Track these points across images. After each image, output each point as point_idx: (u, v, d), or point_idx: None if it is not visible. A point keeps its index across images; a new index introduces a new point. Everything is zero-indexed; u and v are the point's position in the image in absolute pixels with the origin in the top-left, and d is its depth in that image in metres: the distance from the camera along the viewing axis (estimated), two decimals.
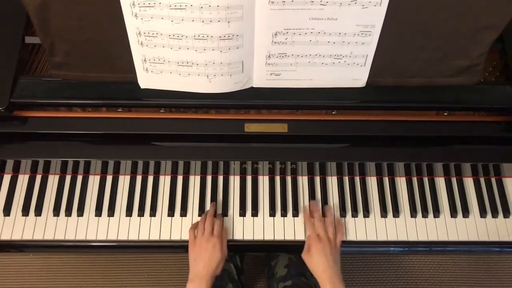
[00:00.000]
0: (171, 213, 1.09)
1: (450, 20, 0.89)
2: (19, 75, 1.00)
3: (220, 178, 1.12)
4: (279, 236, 1.07)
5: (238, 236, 1.07)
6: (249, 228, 1.08)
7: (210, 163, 1.12)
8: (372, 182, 1.13)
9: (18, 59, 1.00)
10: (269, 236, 1.07)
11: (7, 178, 1.10)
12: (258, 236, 1.07)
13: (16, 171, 1.11)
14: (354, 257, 1.76)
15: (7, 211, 1.07)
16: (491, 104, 1.03)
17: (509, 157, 1.07)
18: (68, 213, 1.08)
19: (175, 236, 1.07)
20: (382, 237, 1.08)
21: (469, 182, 1.14)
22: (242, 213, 1.09)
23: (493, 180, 1.14)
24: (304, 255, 1.03)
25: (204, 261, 0.98)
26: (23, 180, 1.11)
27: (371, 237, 1.08)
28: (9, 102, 0.97)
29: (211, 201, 1.10)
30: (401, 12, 0.87)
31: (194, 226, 1.05)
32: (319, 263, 0.99)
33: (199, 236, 1.02)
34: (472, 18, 0.89)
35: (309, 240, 1.03)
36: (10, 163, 1.10)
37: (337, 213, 1.10)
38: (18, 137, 1.03)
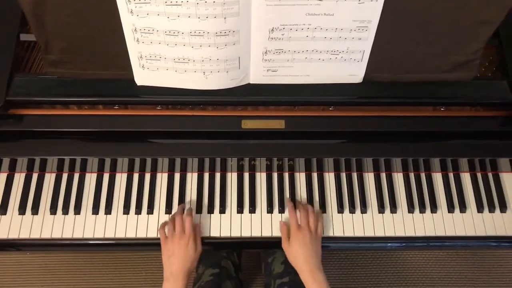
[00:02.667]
0: (168, 210, 1.08)
1: (446, 16, 0.89)
2: (15, 73, 0.99)
3: (218, 175, 1.12)
4: (276, 233, 1.07)
5: (235, 233, 1.07)
6: (247, 225, 1.08)
7: (207, 160, 1.12)
8: (369, 178, 1.13)
9: (13, 57, 1.00)
10: (266, 233, 1.07)
11: (3, 177, 1.10)
12: (256, 233, 1.07)
13: (12, 170, 1.11)
14: (352, 253, 1.77)
15: (3, 209, 1.07)
16: (487, 99, 1.03)
17: (505, 152, 1.07)
18: (65, 211, 1.08)
19: None
20: (379, 233, 1.08)
21: (466, 177, 1.14)
22: (240, 210, 1.09)
23: (490, 175, 1.14)
24: (284, 244, 1.03)
25: (178, 259, 0.98)
26: (19, 179, 1.10)
27: (369, 233, 1.08)
28: (4, 100, 0.96)
29: (209, 198, 1.10)
30: (397, 7, 0.87)
31: (163, 225, 1.05)
32: (299, 253, 0.99)
33: (170, 234, 1.01)
34: (468, 14, 0.89)
35: (291, 230, 1.03)
36: (6, 162, 1.10)
37: (335, 209, 1.10)
38: (14, 135, 1.02)
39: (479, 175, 1.14)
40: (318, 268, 0.97)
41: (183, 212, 1.06)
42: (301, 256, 0.98)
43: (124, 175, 1.12)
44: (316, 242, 1.01)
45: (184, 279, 0.97)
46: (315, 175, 1.13)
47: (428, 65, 0.97)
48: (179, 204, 1.09)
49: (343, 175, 1.13)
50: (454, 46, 0.94)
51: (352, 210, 1.09)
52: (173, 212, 1.08)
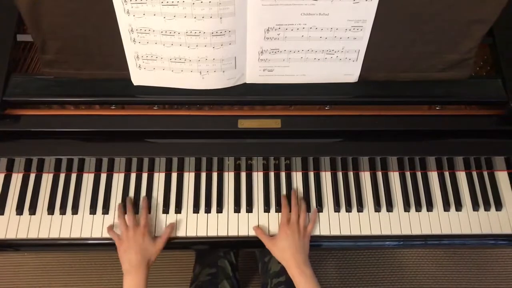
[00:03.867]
0: (165, 210, 1.09)
1: (440, 15, 0.90)
2: (11, 73, 1.00)
3: (215, 175, 1.13)
4: (273, 232, 1.07)
5: (233, 232, 1.07)
6: (244, 224, 1.08)
7: (204, 160, 1.12)
8: (365, 177, 1.14)
9: (10, 57, 1.00)
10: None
11: (0, 177, 1.10)
12: (253, 232, 1.07)
13: (9, 170, 1.11)
14: (349, 252, 1.77)
15: (1, 210, 1.07)
16: (482, 98, 1.04)
17: (500, 150, 1.08)
18: (63, 211, 1.08)
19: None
20: (376, 232, 1.08)
21: (461, 176, 1.14)
22: (237, 209, 1.09)
23: (485, 173, 1.14)
24: (267, 244, 1.03)
25: (136, 252, 0.97)
26: (16, 179, 1.10)
27: (365, 232, 1.08)
28: (1, 100, 0.97)
29: (206, 197, 1.10)
30: (392, 7, 0.87)
31: (111, 227, 1.05)
32: (286, 249, 0.99)
33: (123, 231, 1.02)
34: (463, 13, 0.90)
35: (279, 224, 1.03)
36: (3, 162, 1.09)
37: (332, 208, 1.10)
38: (11, 135, 1.02)
39: (474, 174, 1.14)
40: (305, 264, 0.97)
41: (124, 209, 1.06)
42: (287, 251, 0.98)
43: (122, 175, 1.12)
44: (304, 239, 1.01)
45: (145, 270, 0.96)
46: (311, 174, 1.13)
47: (423, 64, 0.98)
48: (175, 203, 1.09)
49: (340, 174, 1.14)
50: (449, 45, 0.95)
51: (349, 209, 1.10)
52: (170, 212, 1.08)
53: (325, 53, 0.94)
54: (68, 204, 1.09)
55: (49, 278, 1.69)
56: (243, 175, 1.13)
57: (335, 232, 1.08)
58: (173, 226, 1.06)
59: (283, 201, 1.07)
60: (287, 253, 0.98)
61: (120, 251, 1.00)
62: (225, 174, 1.13)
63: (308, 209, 1.09)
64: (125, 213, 1.06)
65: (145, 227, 1.01)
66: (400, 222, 1.09)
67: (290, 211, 1.06)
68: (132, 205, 1.07)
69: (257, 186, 1.12)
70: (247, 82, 1.00)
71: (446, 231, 1.09)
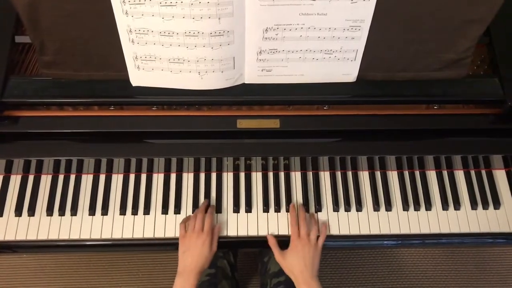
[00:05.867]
0: (165, 210, 1.09)
1: (437, 14, 0.90)
2: (10, 74, 1.00)
3: (214, 175, 1.13)
4: (273, 231, 1.07)
5: (232, 232, 1.08)
6: (243, 224, 1.09)
7: (203, 160, 1.12)
8: (364, 176, 1.14)
9: (8, 59, 1.00)
10: (263, 232, 1.08)
11: None
12: (252, 232, 1.08)
13: (8, 172, 1.11)
14: (348, 253, 1.77)
15: None
16: (479, 97, 1.04)
17: (498, 148, 1.09)
18: (62, 212, 1.08)
19: (170, 234, 1.07)
20: (375, 231, 1.09)
21: (460, 175, 1.15)
22: (236, 210, 1.09)
23: (483, 172, 1.15)
24: (277, 257, 1.02)
25: (192, 257, 0.99)
26: (15, 181, 1.10)
27: (364, 231, 1.09)
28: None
29: (205, 198, 1.10)
30: (389, 6, 0.88)
31: (185, 220, 1.06)
32: (294, 263, 0.99)
33: (190, 231, 1.02)
34: (459, 12, 0.90)
35: (291, 239, 1.03)
36: (2, 164, 1.10)
37: (330, 208, 1.10)
38: (9, 137, 1.02)
39: (472, 173, 1.15)
40: (312, 278, 0.97)
41: (205, 210, 1.07)
42: (296, 267, 0.98)
43: (120, 176, 1.12)
44: (314, 254, 1.01)
45: (196, 276, 0.98)
46: (310, 174, 1.14)
47: (420, 64, 0.98)
48: (175, 204, 1.09)
49: (338, 174, 1.14)
50: (446, 45, 0.95)
51: (348, 209, 1.10)
52: (169, 212, 1.09)
53: (323, 53, 0.94)
54: (67, 205, 1.09)
55: (47, 280, 1.69)
56: (242, 175, 1.13)
57: (334, 231, 1.09)
58: (220, 227, 1.07)
59: (292, 216, 1.07)
60: (296, 269, 0.98)
61: (180, 250, 1.02)
62: (224, 174, 1.13)
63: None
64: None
65: (208, 234, 1.01)
66: (399, 221, 1.10)
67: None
68: (205, 208, 1.07)
69: (256, 186, 1.12)
70: (245, 82, 1.00)
71: (445, 230, 1.09)
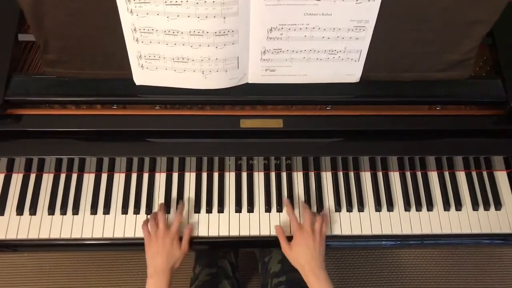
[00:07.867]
0: (167, 210, 1.08)
1: (441, 15, 0.91)
2: (13, 73, 0.99)
3: (216, 175, 1.13)
4: (275, 231, 1.07)
5: (234, 232, 1.07)
6: (245, 224, 1.08)
7: (205, 160, 1.12)
8: (366, 176, 1.14)
9: (11, 57, 1.00)
10: (265, 232, 1.08)
11: (0, 177, 1.10)
12: (254, 232, 1.08)
13: (10, 170, 1.10)
14: (348, 253, 1.77)
15: (1, 210, 1.07)
16: (482, 98, 1.05)
17: (499, 150, 1.09)
18: (63, 211, 1.07)
19: None
20: (377, 231, 1.09)
21: (461, 176, 1.15)
22: (238, 209, 1.09)
23: (485, 173, 1.15)
24: (284, 248, 1.02)
25: (162, 256, 0.98)
26: (17, 179, 1.10)
27: (366, 231, 1.09)
28: (3, 100, 0.96)
29: (207, 197, 1.10)
30: (394, 7, 0.88)
31: (146, 222, 1.05)
32: (301, 254, 0.99)
33: (153, 231, 1.01)
34: (463, 13, 0.91)
35: (293, 231, 1.03)
36: (3, 162, 1.09)
37: (332, 208, 1.10)
38: (12, 135, 1.02)
39: (474, 174, 1.15)
40: (320, 267, 0.97)
41: (164, 210, 1.06)
42: (303, 258, 0.98)
43: (122, 175, 1.12)
44: (320, 243, 1.00)
45: (168, 276, 0.97)
46: (312, 174, 1.14)
47: (424, 64, 0.98)
48: (176, 203, 1.09)
49: (340, 174, 1.14)
50: (449, 45, 0.96)
51: (349, 209, 1.10)
52: (171, 212, 1.08)
53: (327, 53, 0.94)
54: (68, 204, 1.08)
55: (47, 279, 1.68)
56: (244, 175, 1.13)
57: (336, 231, 1.09)
58: (192, 227, 1.06)
59: (288, 208, 1.07)
60: (302, 260, 0.98)
61: (147, 254, 1.00)
62: (226, 174, 1.13)
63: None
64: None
65: (176, 232, 1.01)
66: (400, 221, 1.10)
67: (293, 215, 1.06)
68: (165, 207, 1.07)
69: (258, 186, 1.12)
70: (249, 82, 1.00)
71: (446, 230, 1.09)
